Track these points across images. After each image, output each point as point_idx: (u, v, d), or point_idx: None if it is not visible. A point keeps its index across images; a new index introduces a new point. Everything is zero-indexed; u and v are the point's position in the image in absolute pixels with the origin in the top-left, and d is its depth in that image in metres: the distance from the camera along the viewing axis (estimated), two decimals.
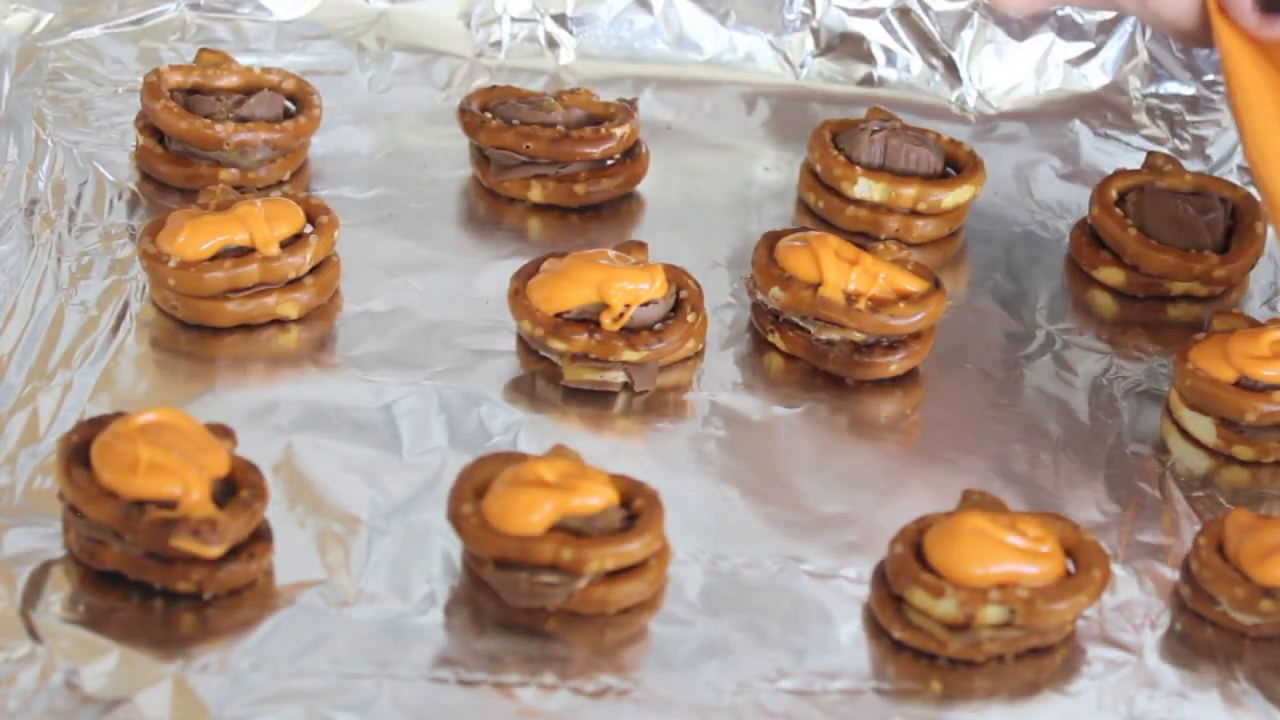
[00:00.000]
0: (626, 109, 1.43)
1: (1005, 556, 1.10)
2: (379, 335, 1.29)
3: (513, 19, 1.59)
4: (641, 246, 1.30)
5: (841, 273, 1.27)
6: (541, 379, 1.27)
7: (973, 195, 1.43)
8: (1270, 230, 1.43)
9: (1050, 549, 1.11)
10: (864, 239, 1.37)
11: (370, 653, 1.07)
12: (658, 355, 1.26)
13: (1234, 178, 1.51)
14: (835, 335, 1.29)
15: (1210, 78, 1.61)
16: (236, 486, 1.11)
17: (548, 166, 1.40)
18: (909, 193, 1.40)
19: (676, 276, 1.29)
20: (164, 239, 1.26)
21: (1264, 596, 1.12)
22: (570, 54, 1.58)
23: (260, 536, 1.11)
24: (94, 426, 1.12)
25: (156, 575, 1.09)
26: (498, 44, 1.58)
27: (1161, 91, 1.61)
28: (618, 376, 1.26)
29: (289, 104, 1.42)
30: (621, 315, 1.25)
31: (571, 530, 1.10)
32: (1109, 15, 1.61)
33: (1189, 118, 1.59)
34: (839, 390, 1.29)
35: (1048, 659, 1.12)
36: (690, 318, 1.27)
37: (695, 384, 1.28)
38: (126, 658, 1.05)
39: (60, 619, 1.07)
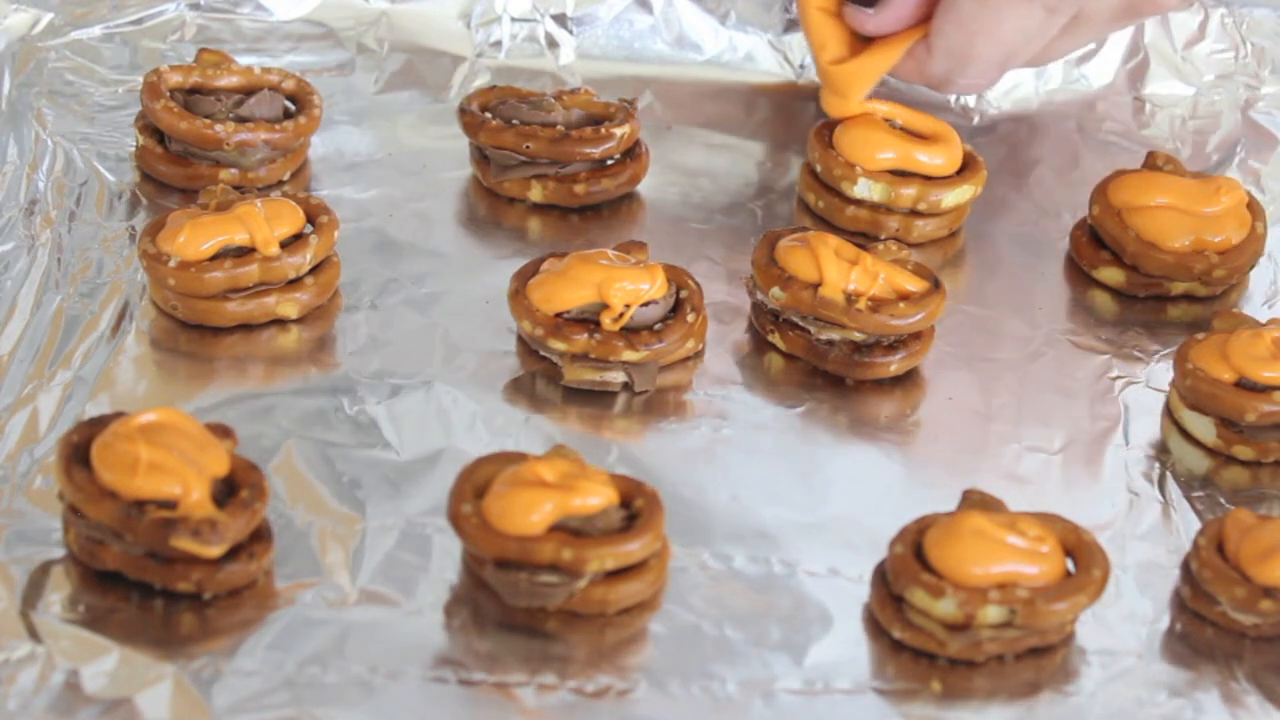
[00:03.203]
0: (626, 109, 1.43)
1: (1005, 556, 1.10)
2: (379, 335, 1.29)
3: (513, 19, 1.59)
4: (641, 246, 1.30)
5: (841, 273, 1.27)
6: (541, 379, 1.27)
7: (973, 195, 1.43)
8: (1270, 230, 1.43)
9: (1050, 549, 1.11)
10: (864, 239, 1.38)
11: (370, 653, 1.07)
12: (658, 355, 1.26)
13: (1236, 174, 1.51)
14: (835, 335, 1.29)
15: (1210, 78, 1.61)
16: (236, 486, 1.11)
17: (548, 166, 1.40)
18: (909, 193, 1.40)
19: (676, 276, 1.29)
20: (164, 239, 1.26)
21: (1264, 596, 1.12)
22: (570, 54, 1.58)
23: (260, 536, 1.11)
24: (94, 426, 1.12)
25: (156, 575, 1.09)
26: (498, 44, 1.58)
27: (1161, 91, 1.61)
28: (618, 376, 1.26)
29: (289, 104, 1.42)
30: (621, 315, 1.25)
31: (571, 530, 1.10)
32: None
33: (1189, 118, 1.59)
34: (839, 390, 1.29)
35: (1048, 659, 1.12)
36: (690, 318, 1.27)
37: (695, 384, 1.28)
38: (126, 658, 1.05)
39: (60, 619, 1.07)
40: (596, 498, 1.11)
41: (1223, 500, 1.24)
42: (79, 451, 1.10)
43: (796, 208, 1.46)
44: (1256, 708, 1.10)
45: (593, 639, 1.10)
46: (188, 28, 1.55)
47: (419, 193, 1.42)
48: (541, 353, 1.27)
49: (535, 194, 1.42)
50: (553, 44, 1.59)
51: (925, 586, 1.09)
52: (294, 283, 1.29)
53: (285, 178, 1.41)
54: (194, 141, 1.37)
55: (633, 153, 1.43)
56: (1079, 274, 1.42)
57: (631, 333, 1.25)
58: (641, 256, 1.29)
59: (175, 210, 1.30)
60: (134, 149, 1.41)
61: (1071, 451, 1.26)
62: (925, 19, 1.40)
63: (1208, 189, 1.40)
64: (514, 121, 1.40)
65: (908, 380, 1.30)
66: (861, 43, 1.42)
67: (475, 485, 1.12)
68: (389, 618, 1.10)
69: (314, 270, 1.30)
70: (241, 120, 1.38)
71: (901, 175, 1.40)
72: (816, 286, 1.28)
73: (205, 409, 1.21)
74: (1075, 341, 1.35)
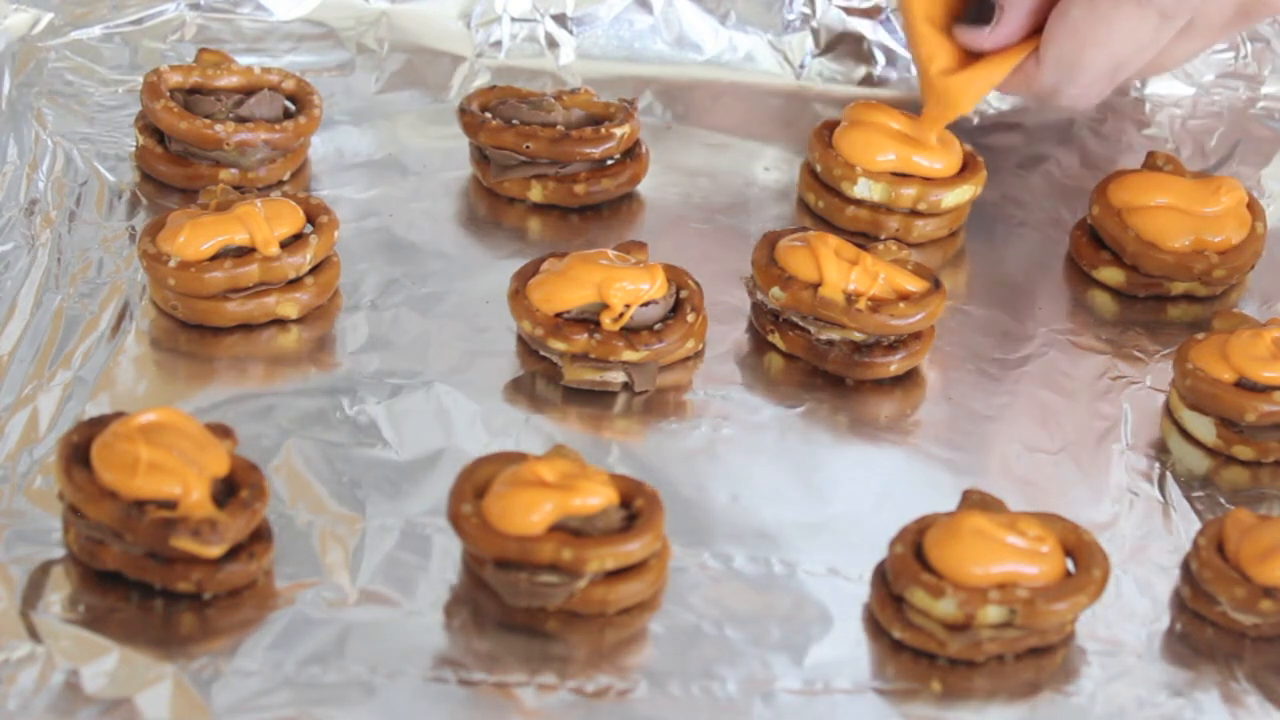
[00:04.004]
0: (626, 109, 1.43)
1: (1005, 556, 1.10)
2: (379, 335, 1.29)
3: (513, 19, 1.59)
4: (641, 246, 1.30)
5: (841, 273, 1.27)
6: (541, 379, 1.27)
7: (973, 195, 1.43)
8: (1270, 230, 1.43)
9: (1050, 549, 1.11)
10: (864, 239, 1.38)
11: (370, 653, 1.07)
12: (658, 355, 1.26)
13: (1236, 174, 1.51)
14: (835, 335, 1.29)
15: (1210, 78, 1.61)
16: (236, 486, 1.11)
17: (548, 166, 1.40)
18: (909, 193, 1.40)
19: (676, 276, 1.29)
20: (164, 239, 1.26)
21: (1264, 596, 1.12)
22: (570, 54, 1.58)
23: (260, 536, 1.11)
24: (94, 426, 1.12)
25: (156, 575, 1.09)
26: (498, 44, 1.58)
27: (1161, 91, 1.61)
28: (618, 376, 1.26)
29: (289, 104, 1.42)
30: (621, 315, 1.25)
31: (571, 530, 1.10)
32: None
33: (1189, 118, 1.59)
34: (839, 390, 1.29)
35: (1048, 659, 1.12)
36: (690, 318, 1.27)
37: (695, 384, 1.28)
38: (126, 658, 1.05)
39: (60, 619, 1.07)
40: (596, 498, 1.11)
41: (1223, 500, 1.24)
42: (79, 451, 1.10)
43: (796, 208, 1.46)
44: (1256, 708, 1.10)
45: (593, 639, 1.10)
46: (188, 28, 1.55)
47: (419, 193, 1.42)
48: (541, 353, 1.27)
49: (535, 194, 1.42)
50: (553, 44, 1.59)
51: (925, 586, 1.09)
52: (294, 283, 1.29)
53: (285, 178, 1.41)
54: (194, 141, 1.37)
55: (633, 153, 1.43)
56: (1079, 274, 1.42)
57: (631, 333, 1.25)
58: (641, 256, 1.29)
59: (175, 210, 1.30)
60: (134, 149, 1.41)
61: (1071, 451, 1.26)
62: (1038, 31, 1.39)
63: (1208, 189, 1.40)
64: (514, 121, 1.40)
65: (908, 380, 1.30)
66: (969, 54, 1.41)
67: (475, 485, 1.12)
68: (389, 618, 1.10)
69: (314, 270, 1.30)
70: (241, 120, 1.38)
71: (901, 175, 1.40)
72: (816, 286, 1.28)
73: (205, 409, 1.21)
74: (1075, 341, 1.35)
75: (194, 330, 1.28)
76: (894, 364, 1.29)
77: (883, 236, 1.40)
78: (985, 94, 1.41)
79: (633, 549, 1.10)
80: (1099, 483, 1.24)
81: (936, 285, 1.30)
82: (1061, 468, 1.25)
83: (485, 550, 1.10)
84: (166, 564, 1.08)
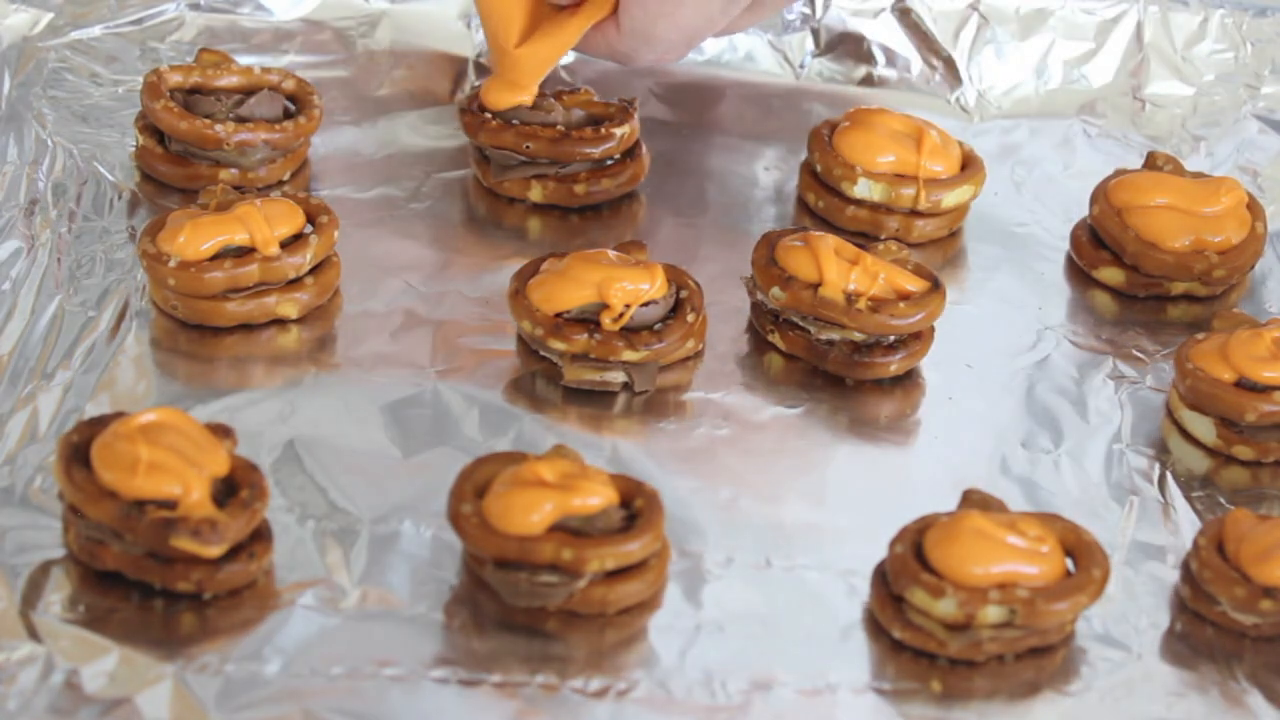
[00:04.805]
0: (626, 109, 1.43)
1: (1005, 556, 1.10)
2: (379, 335, 1.29)
3: None
4: (641, 246, 1.30)
5: (841, 273, 1.27)
6: (541, 379, 1.27)
7: (973, 195, 1.43)
8: (1270, 230, 1.43)
9: (1050, 549, 1.12)
10: (864, 239, 1.38)
11: (370, 653, 1.07)
12: (658, 355, 1.26)
13: (1236, 174, 1.51)
14: (835, 335, 1.29)
15: (1210, 78, 1.61)
16: (236, 486, 1.11)
17: (548, 166, 1.40)
18: (909, 193, 1.40)
19: (676, 276, 1.30)
20: (164, 239, 1.26)
21: (1264, 596, 1.12)
22: (570, 54, 1.58)
23: (260, 536, 1.11)
24: (94, 426, 1.12)
25: (156, 575, 1.09)
26: None
27: (1161, 91, 1.61)
28: (618, 376, 1.26)
29: (289, 104, 1.42)
30: (621, 315, 1.25)
31: (571, 530, 1.10)
32: (1110, 15, 1.61)
33: (1189, 118, 1.59)
34: (839, 390, 1.29)
35: (1048, 659, 1.12)
36: (690, 318, 1.27)
37: (695, 384, 1.28)
38: (126, 658, 1.05)
39: (60, 619, 1.07)
40: (596, 498, 1.11)
41: (1223, 500, 1.24)
42: (79, 451, 1.10)
43: (796, 208, 1.46)
44: (1256, 708, 1.10)
45: (593, 639, 1.10)
46: (188, 28, 1.55)
47: (419, 193, 1.42)
48: (541, 353, 1.27)
49: (535, 194, 1.42)
50: None
51: (925, 586, 1.09)
52: (294, 283, 1.29)
53: (285, 178, 1.41)
54: (194, 141, 1.37)
55: (633, 153, 1.43)
56: (1079, 274, 1.42)
57: (631, 333, 1.25)
58: (641, 256, 1.29)
59: (175, 210, 1.30)
60: (134, 149, 1.41)
61: (1071, 451, 1.26)
62: None
63: (1208, 189, 1.40)
64: (514, 121, 1.40)
65: (908, 380, 1.30)
66: (534, 27, 1.42)
67: (475, 485, 1.12)
68: (389, 618, 1.10)
69: (314, 270, 1.30)
70: (241, 120, 1.38)
71: (901, 175, 1.40)
72: (816, 286, 1.28)
73: (205, 409, 1.21)
74: (1075, 341, 1.35)
75: (194, 330, 1.28)
76: (894, 364, 1.29)
77: (883, 236, 1.40)
78: (555, 63, 1.43)
79: (633, 549, 1.10)
80: (1099, 483, 1.24)
81: (936, 285, 1.30)
82: (1061, 468, 1.25)
83: (485, 550, 1.10)
84: (166, 564, 1.08)
